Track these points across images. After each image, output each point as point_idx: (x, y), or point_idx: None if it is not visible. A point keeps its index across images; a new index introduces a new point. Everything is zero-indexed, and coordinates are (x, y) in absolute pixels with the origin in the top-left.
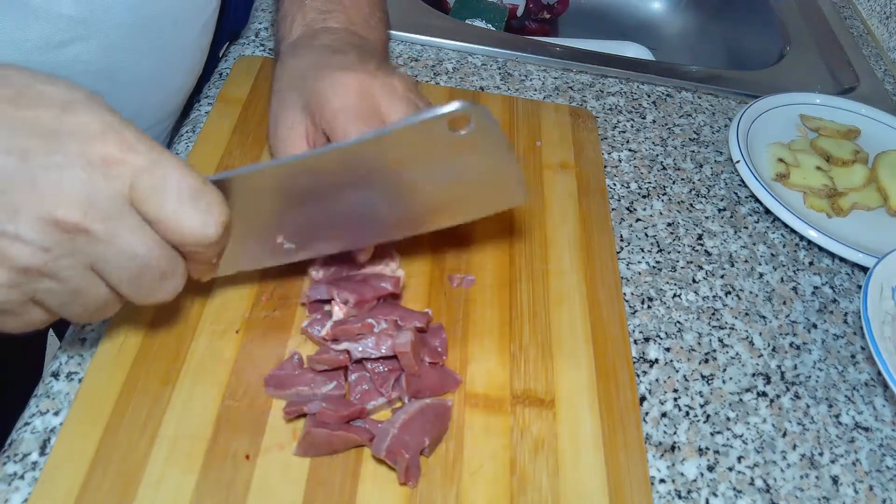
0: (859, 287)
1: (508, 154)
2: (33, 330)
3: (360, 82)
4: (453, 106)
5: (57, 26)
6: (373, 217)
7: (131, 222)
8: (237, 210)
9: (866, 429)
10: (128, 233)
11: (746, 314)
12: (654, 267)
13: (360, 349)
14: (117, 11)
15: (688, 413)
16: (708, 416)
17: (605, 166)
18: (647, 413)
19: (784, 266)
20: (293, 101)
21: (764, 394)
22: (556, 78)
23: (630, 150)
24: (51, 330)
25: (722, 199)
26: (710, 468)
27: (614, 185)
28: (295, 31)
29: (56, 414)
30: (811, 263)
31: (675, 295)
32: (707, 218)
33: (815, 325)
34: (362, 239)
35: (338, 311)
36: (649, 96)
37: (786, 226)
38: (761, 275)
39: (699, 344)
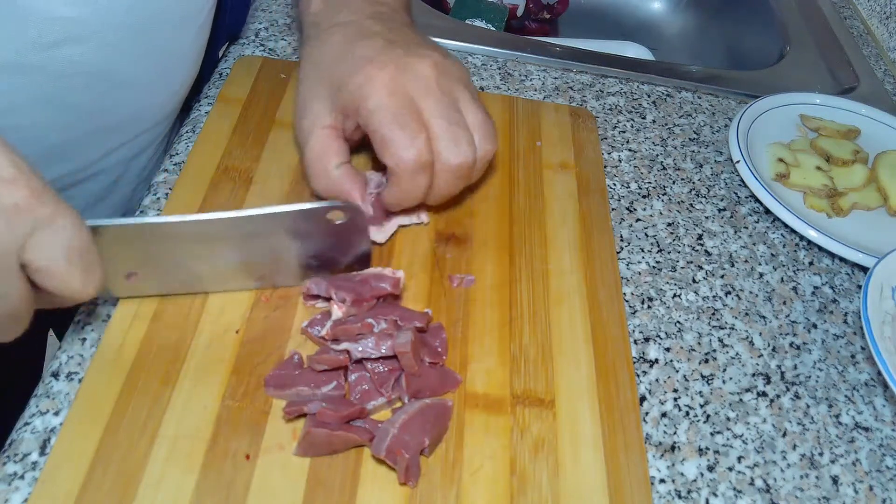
0: (859, 287)
1: (368, 241)
2: None
3: (391, 79)
4: (336, 203)
5: (52, 27)
6: (233, 268)
7: (15, 268)
8: (103, 250)
9: (866, 429)
10: (9, 278)
11: (746, 314)
12: (654, 267)
13: (360, 349)
14: (114, 13)
15: (688, 413)
16: (708, 416)
17: (605, 166)
18: (647, 413)
19: (784, 266)
20: (321, 93)
21: (764, 394)
22: (556, 78)
23: (630, 150)
24: (51, 330)
25: (722, 199)
26: (710, 468)
27: (614, 185)
28: (314, 2)
29: (56, 414)
30: (811, 263)
31: (675, 295)
32: (707, 218)
33: (815, 325)
34: (214, 285)
35: (337, 311)
36: (649, 96)
37: (786, 226)
38: (761, 275)
39: (699, 344)
